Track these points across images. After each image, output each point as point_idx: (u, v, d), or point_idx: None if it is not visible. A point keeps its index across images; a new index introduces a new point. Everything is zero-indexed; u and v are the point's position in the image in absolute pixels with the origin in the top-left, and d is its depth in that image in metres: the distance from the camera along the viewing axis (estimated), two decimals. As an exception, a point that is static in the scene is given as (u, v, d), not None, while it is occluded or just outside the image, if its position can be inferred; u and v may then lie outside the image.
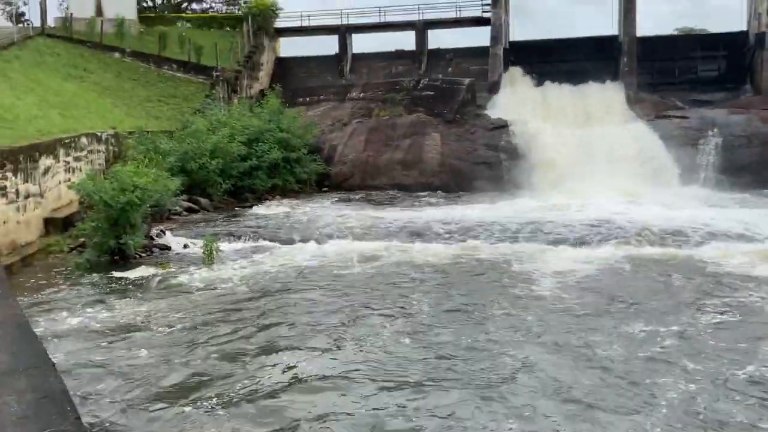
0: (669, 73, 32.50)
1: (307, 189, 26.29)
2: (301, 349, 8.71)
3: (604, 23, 60.48)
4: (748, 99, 29.82)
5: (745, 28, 32.64)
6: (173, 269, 13.76)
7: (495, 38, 32.60)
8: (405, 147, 27.32)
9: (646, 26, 71.89)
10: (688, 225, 16.02)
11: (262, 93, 32.75)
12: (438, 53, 36.24)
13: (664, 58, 32.65)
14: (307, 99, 32.15)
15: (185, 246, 15.91)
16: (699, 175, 25.21)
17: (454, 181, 26.21)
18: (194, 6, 48.28)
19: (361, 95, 31.22)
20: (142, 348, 9.03)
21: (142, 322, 10.24)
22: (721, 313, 9.97)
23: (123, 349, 9.09)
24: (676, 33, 39.18)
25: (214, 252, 14.26)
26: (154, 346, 9.14)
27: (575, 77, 31.23)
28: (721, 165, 25.16)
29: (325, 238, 16.32)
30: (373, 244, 15.46)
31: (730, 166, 25.01)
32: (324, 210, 20.97)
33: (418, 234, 16.36)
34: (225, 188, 22.82)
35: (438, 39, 37.14)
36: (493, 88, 32.21)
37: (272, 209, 21.59)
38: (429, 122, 28.37)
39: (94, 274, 13.43)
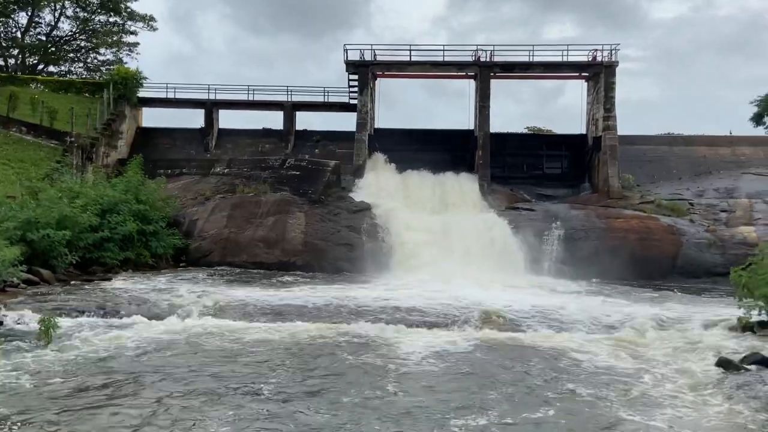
0: (518, 168, 34.41)
1: (163, 264, 25.27)
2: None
3: (462, 118, 64.46)
4: (587, 196, 32.32)
5: (584, 132, 34.64)
6: (1, 348, 12.33)
7: (361, 124, 33.24)
8: (269, 225, 26.93)
9: (500, 123, 78.18)
10: (534, 311, 16.49)
11: (121, 162, 31.74)
12: (305, 134, 36.32)
13: (515, 153, 34.60)
14: (169, 171, 31.35)
15: (18, 321, 14.46)
16: (544, 264, 26.53)
17: (317, 262, 25.99)
18: (51, 69, 46.32)
19: (226, 171, 30.90)
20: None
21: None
22: (553, 403, 9.81)
23: None
24: (525, 131, 41.43)
25: (51, 329, 12.95)
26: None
27: (434, 166, 32.43)
28: (563, 255, 26.66)
29: (175, 316, 15.45)
30: (228, 323, 14.94)
31: (571, 257, 26.48)
32: (178, 286, 20.00)
33: (275, 313, 15.97)
34: (70, 260, 21.29)
35: (306, 120, 38.34)
36: (358, 171, 32.74)
37: (122, 284, 20.40)
38: (294, 201, 28.24)
39: None
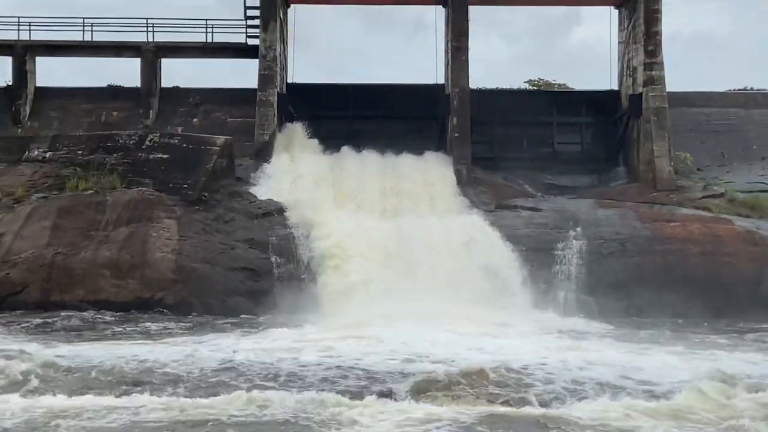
0: (515, 144, 34.12)
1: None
2: None
3: (424, 66, 63.09)
4: (622, 187, 31.70)
5: (616, 87, 34.89)
6: None
7: (266, 77, 32.55)
8: (119, 241, 26.20)
9: (484, 74, 74.85)
10: (547, 371, 16.25)
11: None
12: (177, 95, 35.55)
13: (509, 121, 34.36)
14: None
15: None
16: (557, 295, 26.18)
17: (198, 298, 25.30)
18: None
19: (49, 154, 30.06)
20: None
21: None
22: None
23: None
24: (525, 87, 42.58)
25: None
26: None
27: (384, 143, 31.87)
28: (586, 281, 26.30)
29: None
30: (60, 401, 14.27)
31: (599, 283, 25.98)
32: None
33: (133, 382, 15.53)
34: None
35: (178, 73, 37.31)
36: (263, 152, 31.66)
37: None
38: (159, 202, 27.44)
39: None
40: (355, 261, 26.81)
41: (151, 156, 29.39)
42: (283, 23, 34.35)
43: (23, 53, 34.98)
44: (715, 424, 13.29)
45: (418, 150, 32.09)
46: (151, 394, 14.92)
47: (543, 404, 14.36)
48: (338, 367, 17.00)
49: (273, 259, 26.54)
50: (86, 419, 13.50)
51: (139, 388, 15.37)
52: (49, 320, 23.46)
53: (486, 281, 26.38)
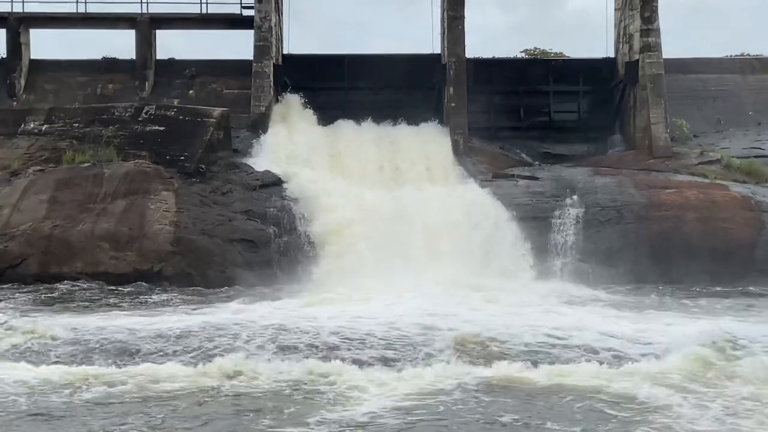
0: (512, 114, 34.55)
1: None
2: None
3: (419, 35, 62.12)
4: (618, 154, 31.99)
5: (612, 54, 35.02)
6: None
7: (261, 48, 32.34)
8: (117, 213, 26.35)
9: (481, 43, 74.30)
10: (545, 337, 16.53)
11: None
12: (172, 66, 35.33)
13: (506, 91, 34.74)
14: (-50, 130, 28.89)
15: None
16: (554, 263, 26.43)
17: (196, 269, 25.40)
18: None
19: (45, 127, 30.19)
20: None
21: None
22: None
23: None
24: (521, 56, 41.91)
25: None
26: None
27: (380, 113, 31.97)
28: (583, 248, 26.48)
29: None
30: (62, 370, 14.43)
31: (596, 250, 26.23)
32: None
33: (137, 351, 15.67)
34: None
35: (173, 45, 37.20)
36: (259, 124, 31.59)
37: None
38: (156, 174, 27.47)
39: None
40: (352, 232, 26.90)
41: (148, 128, 29.41)
42: (279, -5, 33.31)
43: (17, 25, 34.52)
44: (711, 387, 13.46)
45: (414, 120, 32.21)
46: (141, 364, 15.14)
47: (540, 370, 14.57)
48: (336, 334, 17.18)
49: (271, 230, 26.57)
50: (84, 389, 13.65)
51: (133, 359, 15.60)
52: (48, 292, 23.61)
53: (483, 250, 26.63)
